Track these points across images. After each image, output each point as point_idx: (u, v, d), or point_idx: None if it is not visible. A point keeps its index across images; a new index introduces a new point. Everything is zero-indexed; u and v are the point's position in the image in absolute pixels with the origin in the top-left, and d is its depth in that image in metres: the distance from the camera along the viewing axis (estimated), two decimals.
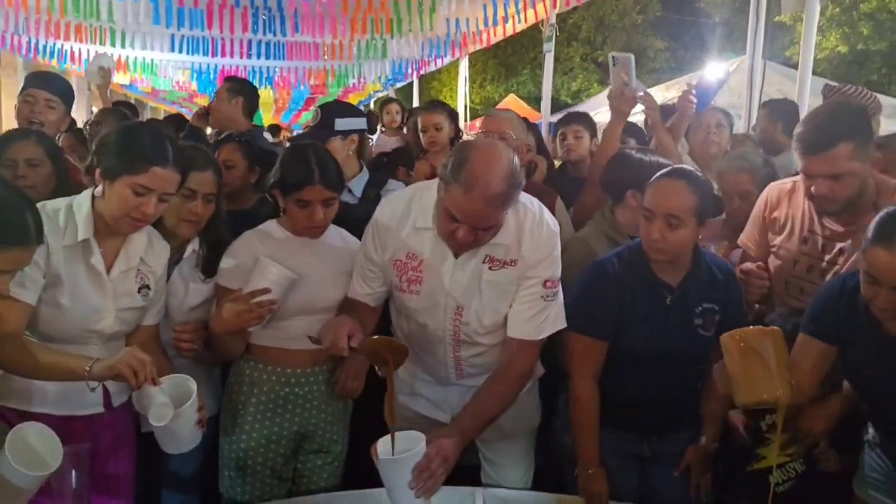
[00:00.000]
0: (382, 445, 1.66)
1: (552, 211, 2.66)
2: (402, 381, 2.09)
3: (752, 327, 1.77)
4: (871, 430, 1.90)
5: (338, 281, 2.06)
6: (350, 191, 2.56)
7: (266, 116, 11.01)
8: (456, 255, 1.86)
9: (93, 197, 1.80)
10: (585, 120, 3.53)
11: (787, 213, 2.21)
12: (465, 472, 2.12)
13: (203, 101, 7.96)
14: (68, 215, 1.79)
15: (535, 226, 1.86)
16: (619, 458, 2.03)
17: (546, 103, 6.18)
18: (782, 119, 3.42)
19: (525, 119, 3.03)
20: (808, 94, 3.84)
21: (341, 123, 2.61)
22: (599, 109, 6.70)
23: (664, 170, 1.97)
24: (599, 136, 3.23)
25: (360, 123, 2.71)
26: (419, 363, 2.06)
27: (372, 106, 10.54)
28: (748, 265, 2.22)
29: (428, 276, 1.89)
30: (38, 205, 1.66)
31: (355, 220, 2.18)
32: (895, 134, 3.05)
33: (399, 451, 1.65)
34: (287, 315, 2.01)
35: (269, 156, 2.80)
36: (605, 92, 8.20)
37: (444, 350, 1.97)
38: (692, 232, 1.90)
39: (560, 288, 1.92)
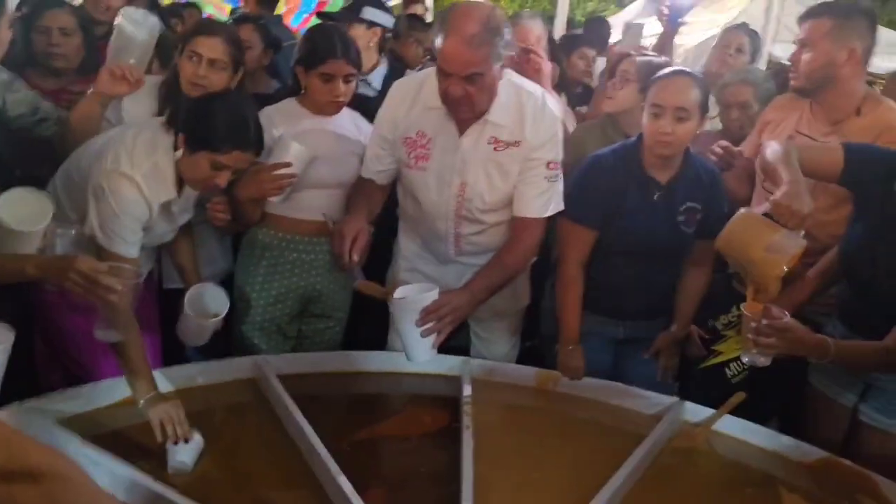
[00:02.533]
0: (400, 292, 1.84)
1: None
2: (404, 258, 2.28)
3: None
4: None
5: (349, 161, 2.21)
6: (369, 83, 2.68)
7: None
8: (461, 132, 1.99)
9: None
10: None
11: (780, 116, 2.35)
12: (458, 353, 2.33)
13: None
14: (158, 175, 1.88)
15: (538, 110, 1.98)
16: (596, 339, 2.22)
17: (561, 21, 6.14)
18: None
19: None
20: None
21: (368, 12, 2.74)
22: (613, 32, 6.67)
23: (667, 69, 2.08)
24: None
25: (387, 21, 2.85)
26: (421, 241, 2.23)
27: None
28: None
29: (435, 153, 2.03)
30: (128, 170, 1.82)
31: (374, 111, 2.30)
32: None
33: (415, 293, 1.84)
34: (300, 188, 2.16)
35: (278, 42, 2.92)
36: (621, 14, 8.05)
37: (446, 226, 2.11)
38: (696, 125, 2.02)
39: (561, 171, 2.05)
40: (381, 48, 2.87)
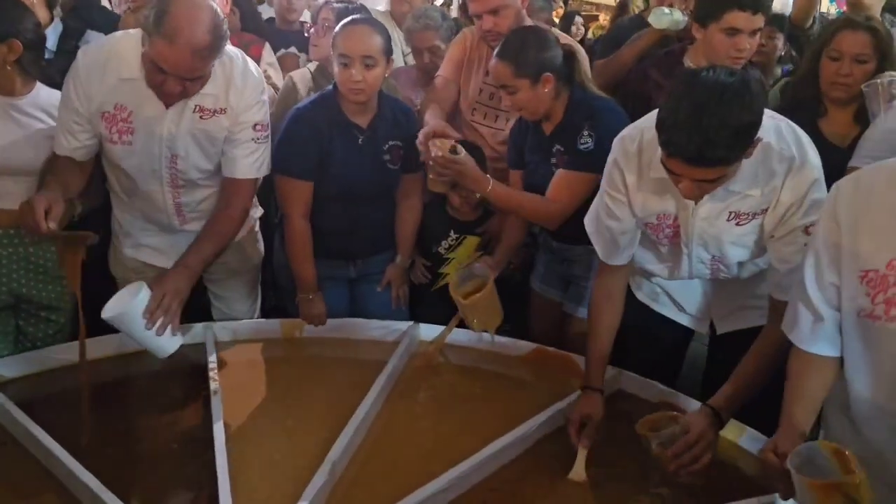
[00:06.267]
0: (111, 310, 1.78)
1: (259, 57, 2.80)
2: (126, 234, 2.20)
3: None
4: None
5: (39, 143, 2.04)
6: None
7: None
8: (167, 106, 1.92)
9: None
10: None
11: (479, 51, 2.53)
12: (198, 314, 2.32)
13: None
14: None
15: (241, 75, 1.97)
16: (332, 282, 2.33)
17: None
18: None
19: None
20: None
21: None
22: None
23: (347, 18, 2.15)
24: None
25: None
26: (140, 215, 2.16)
27: None
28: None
29: (139, 126, 1.94)
30: None
31: (53, 74, 2.12)
32: None
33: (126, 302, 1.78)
34: None
35: None
36: None
37: (164, 198, 2.06)
38: (384, 69, 2.12)
39: (269, 133, 2.08)
40: (51, 4, 2.62)
